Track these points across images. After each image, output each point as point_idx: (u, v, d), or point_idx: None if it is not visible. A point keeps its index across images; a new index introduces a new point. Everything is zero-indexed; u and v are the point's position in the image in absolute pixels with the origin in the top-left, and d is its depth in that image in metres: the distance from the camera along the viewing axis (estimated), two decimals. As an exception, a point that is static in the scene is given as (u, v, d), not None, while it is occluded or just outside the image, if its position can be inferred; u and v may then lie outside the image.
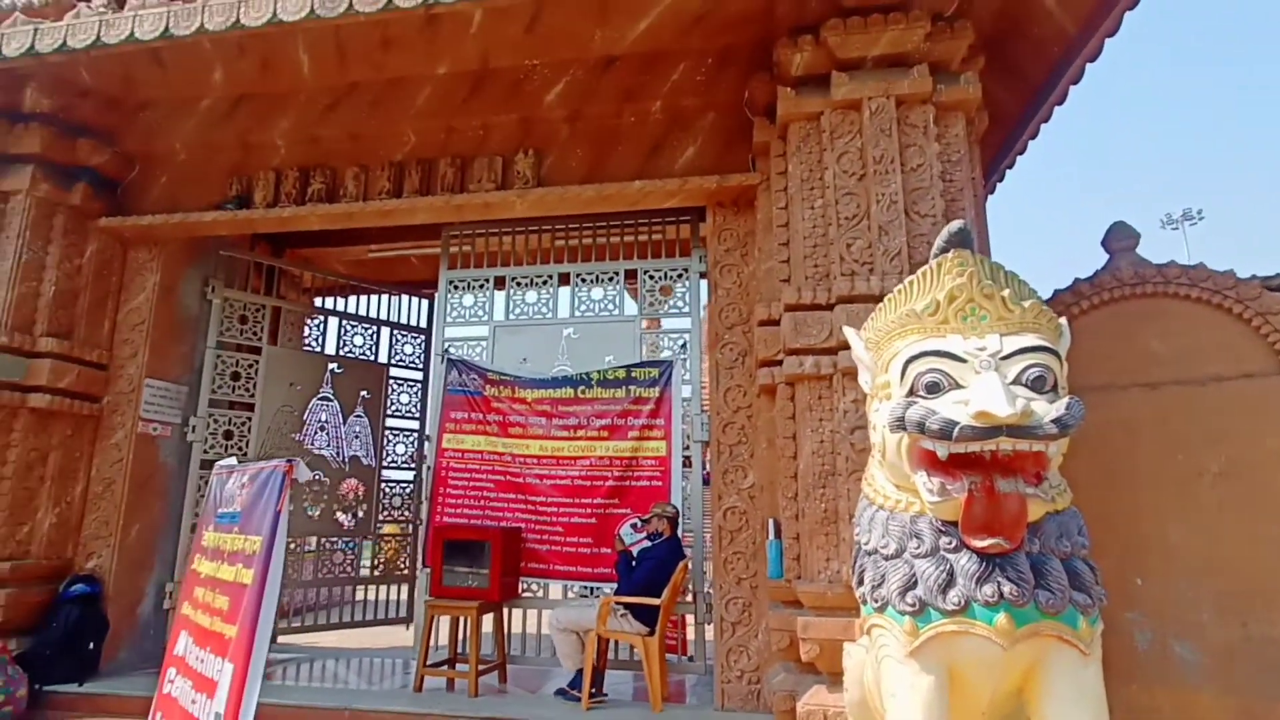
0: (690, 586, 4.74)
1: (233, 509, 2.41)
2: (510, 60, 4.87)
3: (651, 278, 5.30)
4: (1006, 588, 1.96)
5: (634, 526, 4.84)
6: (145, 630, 5.50)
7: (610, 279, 5.36)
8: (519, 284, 5.50)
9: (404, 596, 6.81)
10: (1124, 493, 4.23)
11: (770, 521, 3.98)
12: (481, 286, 5.53)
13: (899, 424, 2.05)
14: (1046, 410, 1.92)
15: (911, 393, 2.09)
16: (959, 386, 2.01)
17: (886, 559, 2.16)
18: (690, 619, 5.03)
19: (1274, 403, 3.92)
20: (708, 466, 4.90)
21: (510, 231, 5.61)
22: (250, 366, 6.14)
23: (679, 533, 4.63)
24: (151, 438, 5.61)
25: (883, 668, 2.14)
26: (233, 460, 2.78)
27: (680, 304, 5.29)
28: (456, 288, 5.55)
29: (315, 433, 6.38)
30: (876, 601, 2.16)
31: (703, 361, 5.09)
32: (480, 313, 5.51)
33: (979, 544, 1.99)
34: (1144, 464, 4.20)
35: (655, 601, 4.18)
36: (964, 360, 2.03)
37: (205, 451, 5.85)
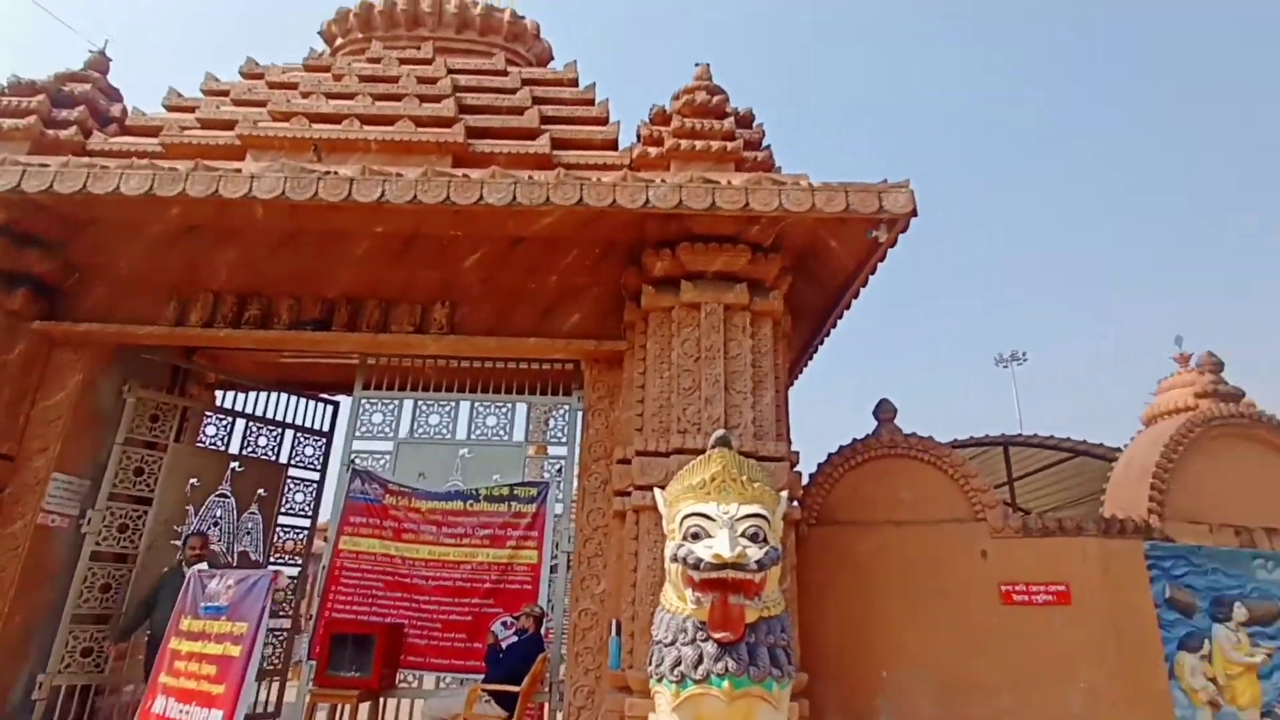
0: (549, 678, 5.83)
1: (218, 603, 3.37)
2: (438, 230, 6.24)
3: (537, 411, 6.64)
4: (731, 665, 3.33)
5: (504, 624, 5.92)
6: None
7: (502, 409, 6.64)
8: (423, 407, 6.67)
9: (272, 695, 7.33)
10: (878, 605, 5.86)
11: (614, 621, 5.24)
12: (390, 407, 6.65)
13: (674, 558, 3.45)
14: (756, 554, 3.38)
15: (684, 538, 3.50)
16: (710, 536, 3.44)
17: (665, 646, 3.50)
18: (547, 707, 6.07)
19: (969, 541, 5.69)
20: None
21: (421, 359, 6.78)
22: (155, 463, 6.82)
23: (542, 630, 5.76)
24: (49, 529, 6.16)
25: (656, 718, 3.43)
26: (204, 565, 3.71)
27: (560, 435, 6.63)
28: (367, 406, 6.63)
29: (209, 528, 7.05)
30: (657, 676, 3.48)
31: (575, 485, 6.39)
32: (387, 429, 6.60)
33: (717, 636, 3.37)
34: (892, 583, 5.85)
35: (515, 688, 5.26)
36: (714, 520, 3.47)
37: (97, 544, 6.39)
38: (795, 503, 5.69)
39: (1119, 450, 7.25)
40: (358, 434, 6.58)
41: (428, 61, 7.33)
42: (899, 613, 5.74)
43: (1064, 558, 5.62)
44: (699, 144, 6.27)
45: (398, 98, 6.74)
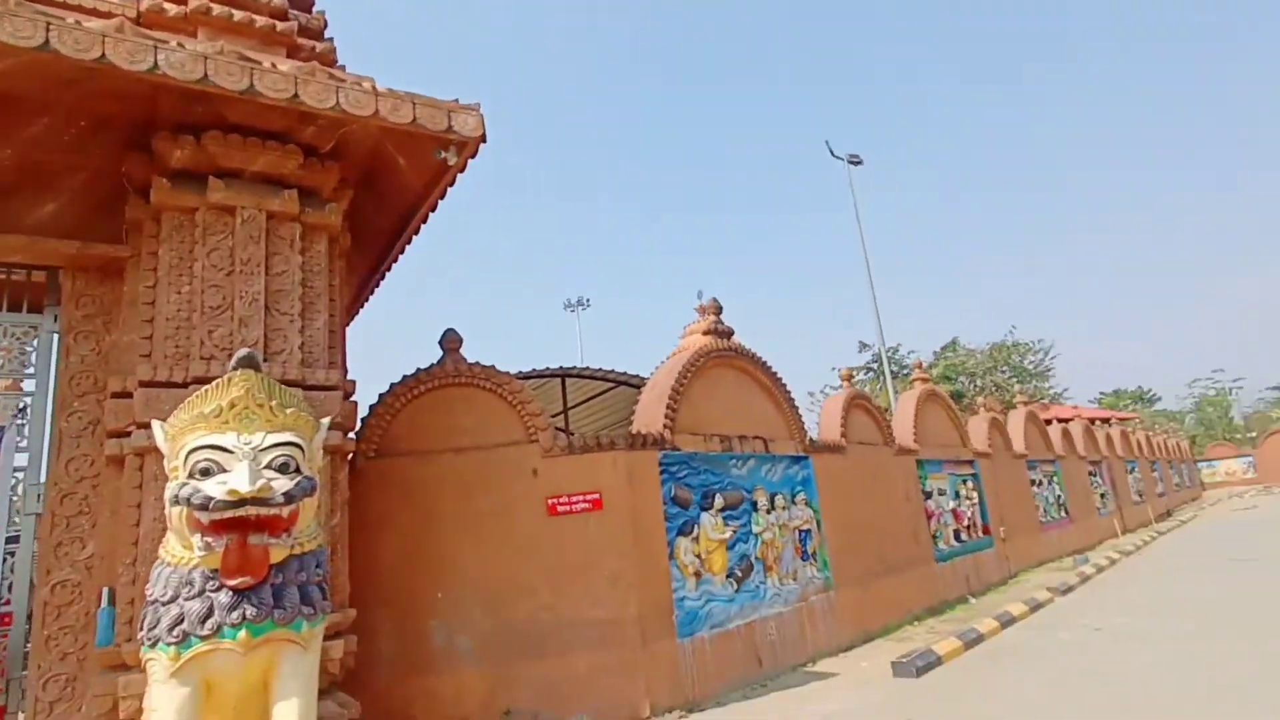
0: (6, 673, 4.54)
1: None
2: None
3: (-14, 332, 4.94)
4: (249, 611, 2.99)
5: (-75, 620, 4.39)
6: None
7: (-80, 328, 4.77)
8: None
9: None
10: (437, 531, 5.97)
11: (105, 590, 4.29)
12: None
13: (176, 500, 2.91)
14: (284, 486, 3.06)
15: (190, 476, 2.98)
16: (225, 471, 2.99)
17: (163, 605, 2.97)
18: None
19: (522, 462, 6.16)
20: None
21: None
22: None
23: (-8, 618, 4.43)
24: None
25: (150, 691, 2.91)
26: None
27: (26, 365, 5.06)
28: None
29: None
30: (151, 640, 2.94)
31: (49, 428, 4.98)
32: None
33: (232, 583, 2.98)
34: (450, 508, 6.02)
35: (-56, 699, 3.96)
36: (232, 452, 3.03)
37: None
38: (352, 434, 5.41)
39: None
40: None
41: None
42: (456, 535, 5.96)
43: (599, 470, 6.51)
44: (237, 14, 5.27)
45: None
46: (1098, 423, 26.24)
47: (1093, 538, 19.07)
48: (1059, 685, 6.49)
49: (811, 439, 9.45)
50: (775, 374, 9.03)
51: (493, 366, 6.38)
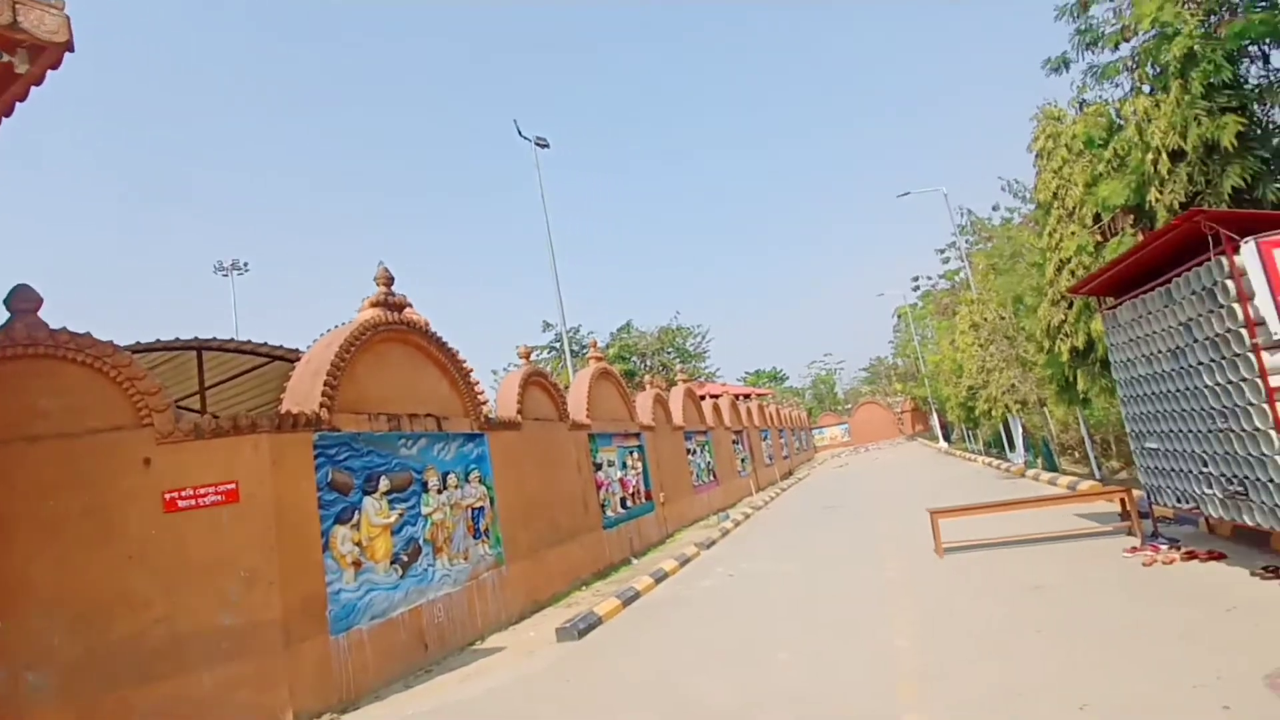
0: None
1: None
2: None
3: None
4: None
5: None
6: None
7: None
8: None
9: None
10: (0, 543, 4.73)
11: None
12: None
13: None
14: None
15: None
16: None
17: None
18: None
19: (130, 450, 5.20)
20: None
21: None
22: None
23: None
24: None
25: None
26: None
27: None
28: None
29: None
30: None
31: None
32: None
33: None
34: (21, 512, 4.83)
35: None
36: None
37: None
38: None
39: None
40: None
41: None
42: (30, 546, 4.78)
43: (236, 456, 5.73)
44: None
45: None
46: (741, 398, 30.89)
47: (734, 497, 22.43)
48: (697, 626, 7.51)
49: (488, 416, 9.51)
50: (451, 350, 8.89)
51: (87, 334, 5.19)
